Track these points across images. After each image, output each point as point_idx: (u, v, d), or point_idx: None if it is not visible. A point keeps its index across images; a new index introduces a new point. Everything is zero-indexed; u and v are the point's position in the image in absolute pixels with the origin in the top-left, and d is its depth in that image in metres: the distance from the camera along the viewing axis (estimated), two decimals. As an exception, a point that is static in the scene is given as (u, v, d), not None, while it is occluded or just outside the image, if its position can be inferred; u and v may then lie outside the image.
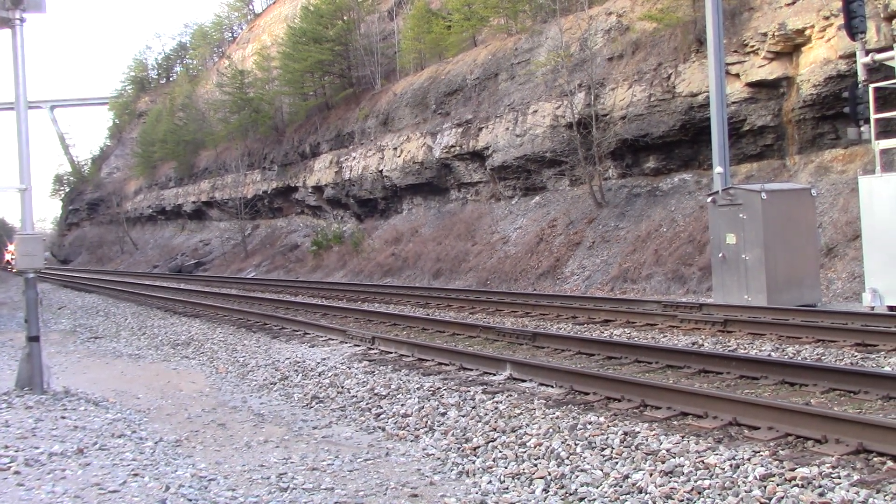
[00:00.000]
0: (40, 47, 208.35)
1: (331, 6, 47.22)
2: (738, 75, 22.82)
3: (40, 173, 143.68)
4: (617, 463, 6.58)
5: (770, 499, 5.61)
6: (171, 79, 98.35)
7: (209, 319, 20.82)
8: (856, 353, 10.79)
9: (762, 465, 6.12)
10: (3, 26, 11.03)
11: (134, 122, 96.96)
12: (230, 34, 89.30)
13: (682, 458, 6.46)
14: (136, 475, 7.04)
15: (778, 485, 5.81)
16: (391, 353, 13.06)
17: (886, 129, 16.79)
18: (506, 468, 6.78)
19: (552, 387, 9.50)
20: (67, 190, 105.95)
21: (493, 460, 7.02)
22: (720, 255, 17.13)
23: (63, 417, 9.29)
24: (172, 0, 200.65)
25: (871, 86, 15.16)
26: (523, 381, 9.97)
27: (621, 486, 6.15)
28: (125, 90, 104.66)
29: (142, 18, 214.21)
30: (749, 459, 6.29)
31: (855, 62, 16.55)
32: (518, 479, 6.60)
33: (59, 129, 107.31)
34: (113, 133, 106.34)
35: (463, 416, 8.49)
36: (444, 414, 8.69)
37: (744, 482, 5.92)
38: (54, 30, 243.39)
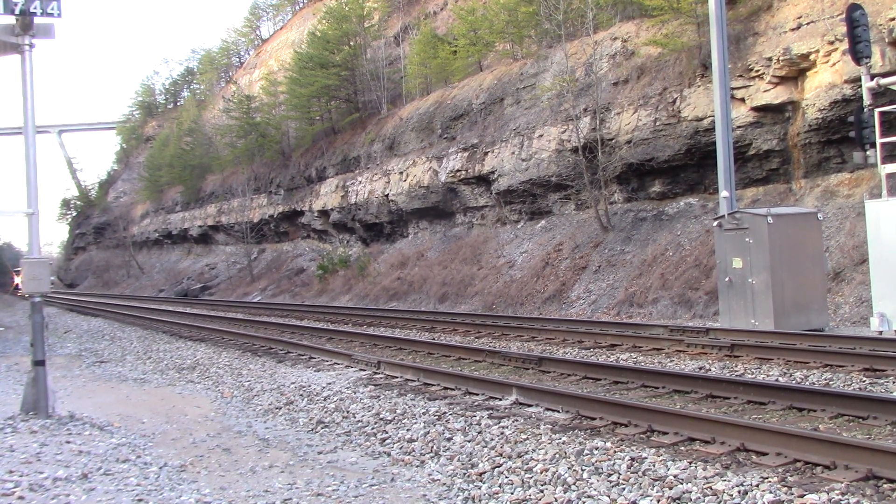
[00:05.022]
0: (49, 72, 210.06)
1: (337, 32, 47.59)
2: (743, 100, 22.88)
3: (47, 197, 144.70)
4: (624, 489, 6.53)
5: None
6: (178, 104, 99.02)
7: (215, 344, 20.80)
8: (864, 378, 10.73)
9: (771, 492, 6.07)
10: (12, 52, 11.12)
11: (141, 146, 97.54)
12: (237, 59, 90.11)
13: (689, 485, 6.41)
14: (140, 501, 7.01)
15: (787, 511, 5.76)
16: (397, 377, 13.03)
17: (892, 154, 16.82)
18: (512, 494, 6.73)
19: (558, 412, 9.46)
20: (74, 214, 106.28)
21: (500, 486, 6.97)
22: (726, 279, 17.09)
23: (68, 442, 9.27)
24: (180, 26, 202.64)
25: (877, 110, 15.18)
26: (529, 405, 9.93)
27: (628, 513, 6.10)
28: (133, 115, 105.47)
29: (150, 44, 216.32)
30: (757, 486, 6.24)
31: (860, 87, 16.61)
32: (524, 505, 6.55)
33: (66, 154, 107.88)
34: (120, 157, 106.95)
35: (469, 442, 8.45)
36: (449, 439, 8.64)
37: (752, 509, 5.87)
38: (63, 55, 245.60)
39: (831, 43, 20.70)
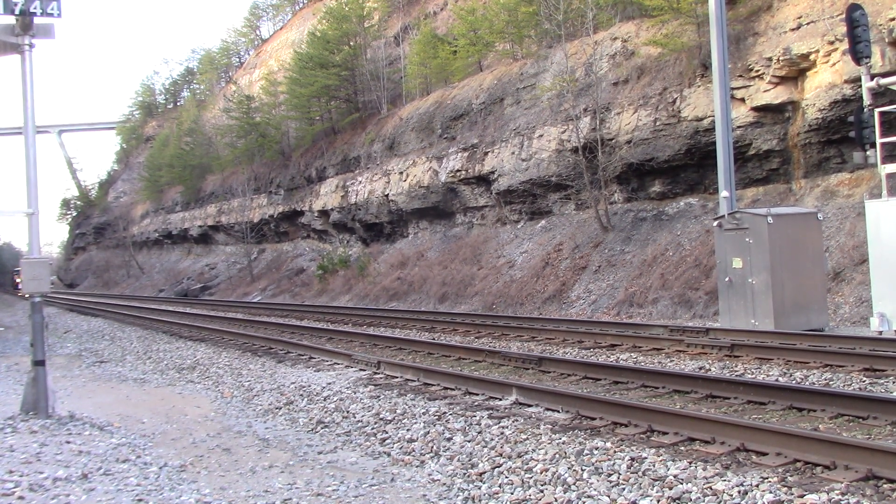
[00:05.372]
0: (49, 72, 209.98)
1: (337, 32, 47.58)
2: (743, 100, 22.88)
3: (47, 197, 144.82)
4: (624, 489, 6.53)
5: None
6: (178, 104, 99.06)
7: (215, 343, 20.80)
8: (864, 378, 10.73)
9: (771, 492, 6.07)
10: (12, 52, 11.12)
11: (141, 146, 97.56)
12: (237, 59, 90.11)
13: (689, 485, 6.41)
14: (140, 501, 7.01)
15: (787, 512, 5.76)
16: (397, 377, 13.03)
17: (892, 154, 16.82)
18: (512, 494, 6.73)
19: (558, 412, 9.46)
20: (74, 214, 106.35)
21: (500, 486, 6.97)
22: (726, 279, 17.08)
23: (68, 442, 9.27)
24: (180, 26, 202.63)
25: (877, 110, 15.18)
26: (529, 405, 9.93)
27: (628, 513, 6.10)
28: (133, 115, 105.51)
29: (150, 44, 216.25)
30: (757, 486, 6.24)
31: (860, 87, 16.61)
32: (524, 505, 6.55)
33: (66, 154, 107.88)
34: (120, 157, 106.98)
35: (469, 442, 8.45)
36: (449, 439, 8.64)
37: (752, 509, 5.86)
38: (63, 55, 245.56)
39: (831, 43, 20.70)
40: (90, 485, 7.47)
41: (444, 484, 7.27)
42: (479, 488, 6.98)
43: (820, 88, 21.17)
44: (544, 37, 33.74)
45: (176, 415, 11.49)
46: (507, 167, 31.45)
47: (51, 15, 10.77)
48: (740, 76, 22.76)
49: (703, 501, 6.07)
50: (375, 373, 13.72)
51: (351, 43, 47.45)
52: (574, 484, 6.75)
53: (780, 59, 21.85)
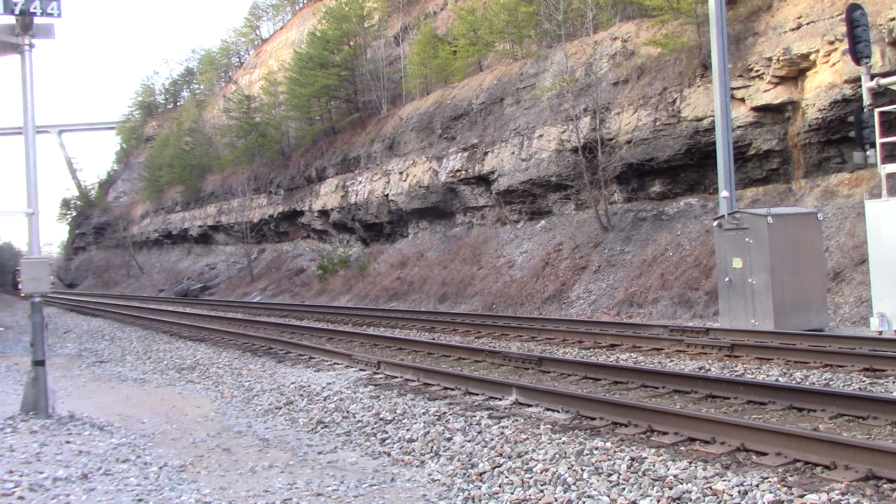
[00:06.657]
0: (49, 72, 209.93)
1: (337, 32, 47.58)
2: (743, 99, 22.88)
3: (47, 197, 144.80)
4: (624, 489, 6.53)
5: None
6: (178, 104, 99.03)
7: (215, 344, 20.80)
8: (864, 378, 10.74)
9: (771, 492, 6.07)
10: (12, 52, 11.12)
11: (141, 146, 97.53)
12: (237, 59, 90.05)
13: (689, 485, 6.41)
14: (140, 501, 7.01)
15: (787, 512, 5.76)
16: (397, 377, 13.03)
17: (892, 153, 16.83)
18: (512, 494, 6.73)
19: (558, 412, 9.46)
20: (74, 214, 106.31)
21: (500, 486, 6.97)
22: (726, 279, 17.09)
23: (68, 442, 9.27)
24: (180, 26, 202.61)
25: (877, 110, 15.18)
26: (529, 405, 9.93)
27: (628, 513, 6.10)
28: (133, 115, 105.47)
29: (150, 44, 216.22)
30: (757, 486, 6.24)
31: (860, 87, 16.61)
32: (524, 505, 6.55)
33: (66, 154, 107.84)
34: (120, 158, 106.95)
35: (469, 442, 8.45)
36: (449, 439, 8.64)
37: (752, 509, 5.86)
38: (63, 55, 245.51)
39: (831, 43, 20.70)
40: (90, 485, 7.46)
41: (444, 484, 7.27)
42: (479, 488, 6.98)
43: (820, 88, 21.17)
44: (544, 37, 33.73)
45: (176, 415, 11.49)
46: (506, 167, 31.45)
47: (51, 15, 10.77)
48: (740, 76, 22.76)
49: (703, 501, 6.07)
50: (375, 373, 13.73)
51: (351, 43, 47.43)
52: (574, 484, 6.75)
53: (780, 59, 21.85)
